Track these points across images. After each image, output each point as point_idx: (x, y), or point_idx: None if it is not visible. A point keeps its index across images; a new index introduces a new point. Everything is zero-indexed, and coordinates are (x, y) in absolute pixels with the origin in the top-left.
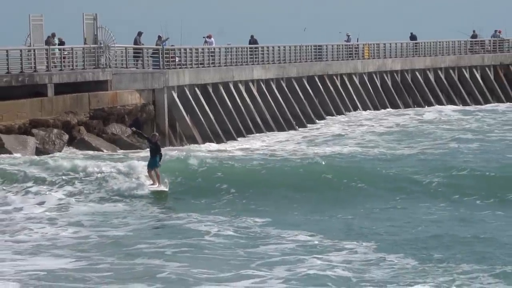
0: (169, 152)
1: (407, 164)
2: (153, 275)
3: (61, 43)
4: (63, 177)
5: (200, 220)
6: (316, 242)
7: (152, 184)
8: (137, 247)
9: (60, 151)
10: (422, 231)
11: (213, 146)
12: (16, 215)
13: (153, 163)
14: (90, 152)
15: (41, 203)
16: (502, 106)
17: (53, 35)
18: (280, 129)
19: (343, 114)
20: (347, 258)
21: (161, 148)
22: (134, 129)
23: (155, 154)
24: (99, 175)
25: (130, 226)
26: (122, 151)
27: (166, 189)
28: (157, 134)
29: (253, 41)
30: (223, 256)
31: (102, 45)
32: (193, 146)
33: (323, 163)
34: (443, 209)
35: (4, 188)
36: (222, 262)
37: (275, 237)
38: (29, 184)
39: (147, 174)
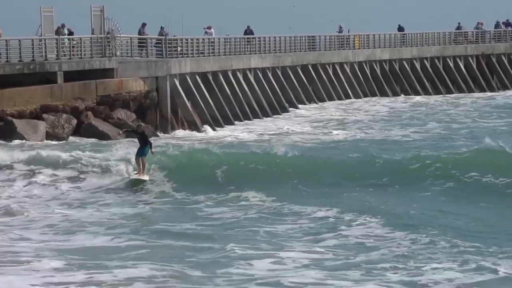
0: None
1: (403, 147)
2: (184, 257)
3: (70, 33)
4: (67, 162)
5: (213, 203)
6: (331, 218)
7: (137, 173)
8: (159, 228)
9: (68, 135)
10: (420, 208)
11: (211, 132)
12: (35, 198)
13: (141, 152)
14: (96, 140)
15: (55, 186)
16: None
17: (63, 25)
18: (276, 114)
19: (335, 100)
20: (361, 233)
21: (165, 135)
22: (123, 131)
23: (144, 144)
24: (99, 162)
25: (142, 207)
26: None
27: (147, 179)
28: (142, 124)
29: (249, 31)
30: (246, 236)
31: (108, 35)
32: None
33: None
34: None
35: (19, 173)
36: (248, 242)
37: (292, 215)
38: (40, 168)
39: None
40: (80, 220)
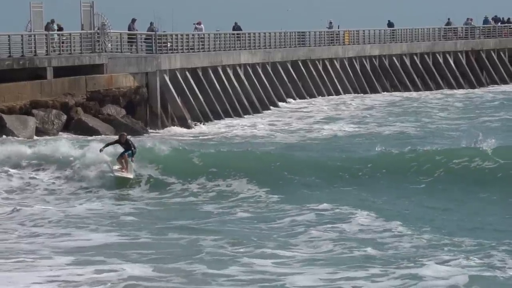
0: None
1: (396, 142)
2: (186, 255)
3: (60, 29)
4: (51, 156)
5: (208, 198)
6: (329, 213)
7: (120, 167)
8: (159, 224)
9: (58, 131)
10: (416, 202)
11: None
12: (29, 193)
13: (123, 152)
14: (85, 136)
15: (41, 180)
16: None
17: (52, 21)
18: (266, 110)
19: (325, 96)
20: (359, 228)
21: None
22: (103, 147)
23: (128, 149)
24: (82, 156)
25: (136, 203)
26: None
27: (131, 177)
28: (125, 133)
29: (236, 27)
30: (245, 232)
31: (98, 31)
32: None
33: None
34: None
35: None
36: (246, 238)
37: (287, 211)
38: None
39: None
40: (77, 216)
